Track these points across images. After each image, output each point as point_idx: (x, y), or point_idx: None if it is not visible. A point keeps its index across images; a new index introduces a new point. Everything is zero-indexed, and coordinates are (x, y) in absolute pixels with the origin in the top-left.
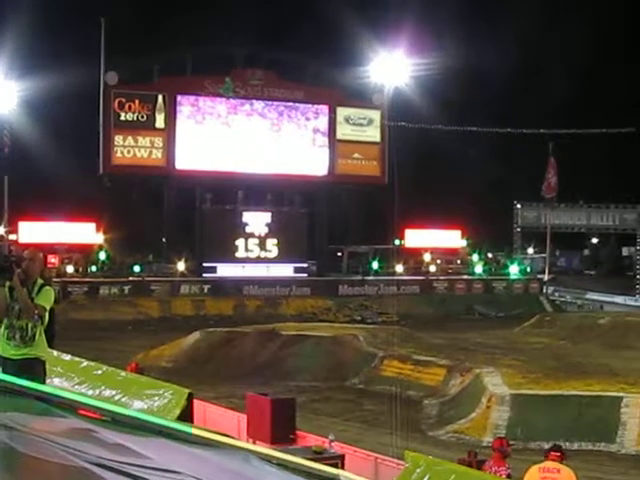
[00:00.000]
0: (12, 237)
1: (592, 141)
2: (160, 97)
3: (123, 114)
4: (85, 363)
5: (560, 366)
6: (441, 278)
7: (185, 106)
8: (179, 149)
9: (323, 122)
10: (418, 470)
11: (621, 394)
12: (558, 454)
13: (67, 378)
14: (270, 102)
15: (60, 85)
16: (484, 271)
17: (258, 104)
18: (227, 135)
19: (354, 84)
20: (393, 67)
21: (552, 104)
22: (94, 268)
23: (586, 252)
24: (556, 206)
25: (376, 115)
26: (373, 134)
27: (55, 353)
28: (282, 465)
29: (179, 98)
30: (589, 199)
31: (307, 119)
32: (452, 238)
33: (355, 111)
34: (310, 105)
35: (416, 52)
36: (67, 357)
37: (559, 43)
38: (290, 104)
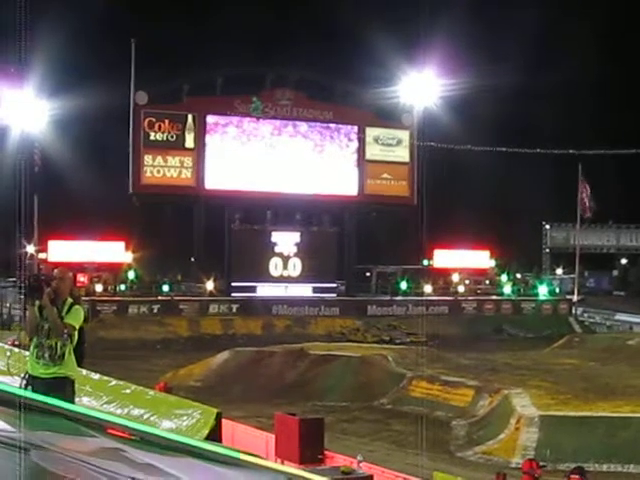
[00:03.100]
0: (42, 256)
1: (622, 161)
2: (190, 117)
3: (153, 134)
4: (114, 382)
5: (589, 387)
6: (470, 298)
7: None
8: (214, 169)
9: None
10: None
11: None
12: (578, 477)
13: (96, 397)
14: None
15: (90, 105)
16: (513, 292)
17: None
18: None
19: (383, 104)
20: (422, 87)
21: (582, 123)
22: (123, 287)
23: (615, 273)
24: (585, 226)
25: (405, 135)
26: (402, 154)
27: (84, 372)
28: None
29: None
30: (618, 219)
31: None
32: (481, 259)
33: (384, 131)
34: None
35: (445, 72)
36: (96, 376)
37: (590, 63)
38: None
